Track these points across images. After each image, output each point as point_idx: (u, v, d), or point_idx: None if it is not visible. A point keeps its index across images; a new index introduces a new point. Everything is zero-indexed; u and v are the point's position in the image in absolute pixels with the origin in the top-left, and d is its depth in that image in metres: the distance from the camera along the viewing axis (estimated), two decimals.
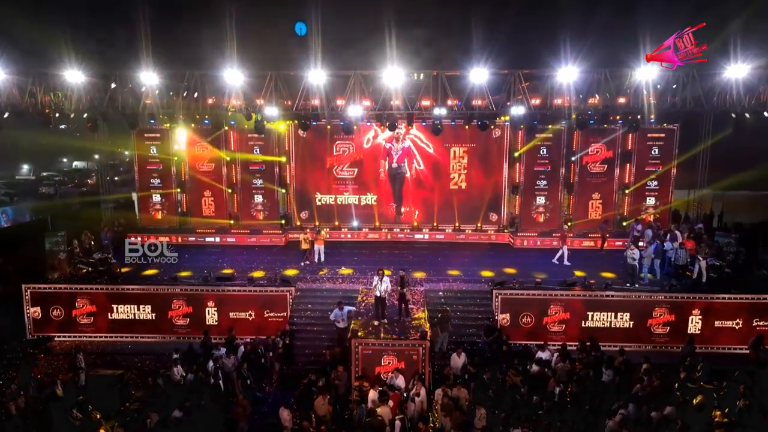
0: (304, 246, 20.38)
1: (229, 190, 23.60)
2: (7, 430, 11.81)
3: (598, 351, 14.80)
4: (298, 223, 23.88)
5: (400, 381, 13.43)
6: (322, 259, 20.39)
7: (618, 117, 19.73)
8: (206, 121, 22.29)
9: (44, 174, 46.47)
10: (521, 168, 23.15)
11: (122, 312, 17.62)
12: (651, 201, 22.96)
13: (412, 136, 23.36)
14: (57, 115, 18.40)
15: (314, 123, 23.16)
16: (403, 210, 24.04)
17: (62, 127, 48.15)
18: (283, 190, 23.89)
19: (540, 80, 13.23)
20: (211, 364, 14.06)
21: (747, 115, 14.72)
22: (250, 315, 17.48)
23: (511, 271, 19.30)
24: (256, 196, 23.67)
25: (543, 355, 14.62)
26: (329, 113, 13.56)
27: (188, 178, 23.52)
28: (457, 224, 23.67)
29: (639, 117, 16.54)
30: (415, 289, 17.27)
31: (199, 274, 18.66)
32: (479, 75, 12.78)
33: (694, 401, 12.44)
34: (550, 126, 21.92)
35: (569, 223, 22.94)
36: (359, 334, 14.19)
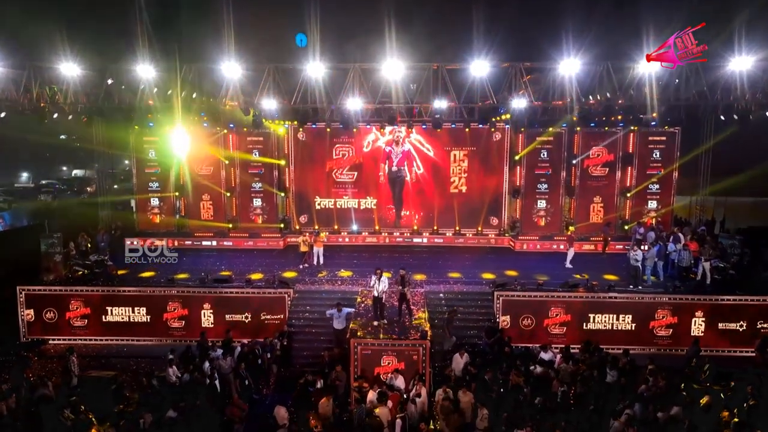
0: (303, 248, 20.17)
1: (228, 194, 23.43)
2: None
3: (601, 352, 14.53)
4: (297, 227, 23.68)
5: (400, 382, 13.14)
6: (321, 261, 20.17)
7: (620, 116, 19.62)
8: (205, 124, 22.37)
9: (43, 182, 46.33)
10: (522, 171, 23.00)
11: (116, 314, 17.36)
12: (653, 204, 22.78)
13: (412, 139, 23.25)
14: (55, 116, 18.49)
15: (314, 126, 23.30)
16: (402, 214, 23.85)
17: (62, 137, 48.56)
18: (282, 194, 23.72)
19: (542, 72, 13.09)
20: (207, 364, 13.77)
21: (752, 109, 14.53)
22: (247, 317, 17.22)
23: (512, 273, 19.06)
24: (255, 199, 23.50)
25: (546, 356, 14.36)
26: (328, 107, 13.36)
27: (186, 181, 23.34)
28: (457, 228, 23.46)
29: (642, 116, 16.34)
30: (416, 290, 17.02)
31: (196, 277, 18.43)
32: (480, 67, 12.64)
33: (702, 401, 12.20)
34: (551, 128, 21.85)
35: (571, 227, 22.74)
36: (358, 334, 13.93)
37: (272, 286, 17.63)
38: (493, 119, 20.31)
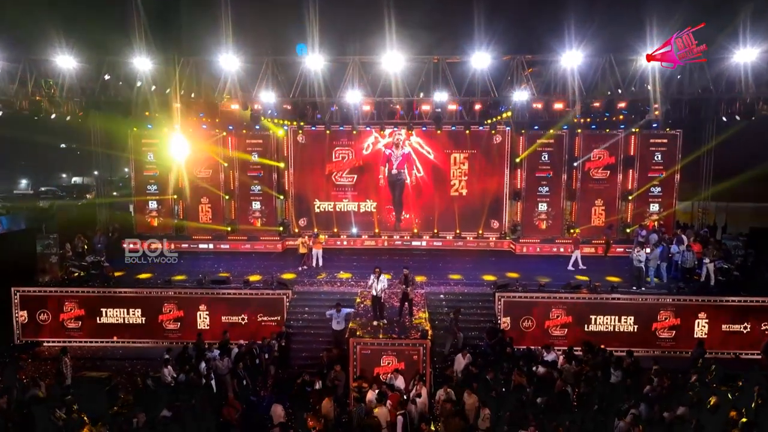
0: (302, 250, 19.97)
1: (227, 197, 23.27)
2: None
3: (604, 352, 14.28)
4: (297, 230, 23.48)
5: (400, 382, 12.87)
6: (320, 263, 19.95)
7: (622, 116, 19.49)
8: (204, 126, 22.26)
9: (42, 188, 46.29)
10: (523, 174, 22.87)
11: (111, 316, 17.10)
12: (654, 207, 22.63)
13: (412, 142, 23.14)
14: (53, 116, 18.37)
15: (313, 128, 23.22)
16: (402, 217, 23.67)
17: (62, 145, 48.65)
18: (282, 197, 23.55)
19: (544, 65, 12.96)
20: (203, 365, 13.51)
21: (757, 105, 14.35)
22: (243, 319, 16.96)
23: (513, 275, 18.83)
24: (254, 202, 23.33)
25: (548, 356, 14.10)
26: (327, 101, 13.22)
27: (185, 184, 23.19)
28: (457, 231, 23.27)
29: (645, 109, 16.19)
30: (416, 291, 16.76)
31: (193, 278, 18.20)
32: (481, 60, 12.50)
33: (710, 401, 11.96)
34: (551, 130, 21.75)
35: (572, 230, 22.55)
36: (358, 333, 13.69)
37: (270, 288, 17.40)
38: (494, 119, 20.15)
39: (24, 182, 49.71)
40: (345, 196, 23.62)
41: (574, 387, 12.73)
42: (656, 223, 22.05)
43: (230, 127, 22.58)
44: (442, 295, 17.36)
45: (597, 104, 19.94)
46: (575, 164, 22.52)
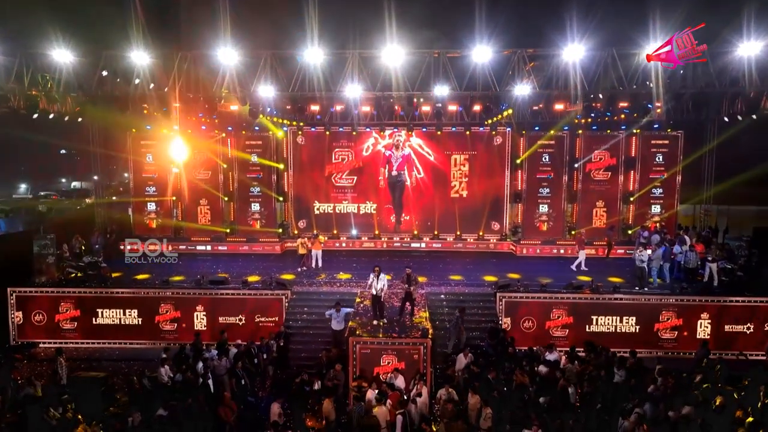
0: (302, 251, 19.80)
1: (226, 198, 23.15)
2: None
3: (608, 352, 14.07)
4: (296, 232, 23.32)
5: (400, 381, 12.65)
6: (320, 264, 19.78)
7: (623, 116, 19.42)
8: (203, 126, 22.20)
9: (42, 193, 46.15)
10: (523, 175, 22.76)
11: (107, 317, 16.90)
12: (656, 209, 22.49)
13: (412, 143, 23.04)
14: (51, 116, 18.26)
15: (313, 129, 23.14)
16: (403, 218, 23.53)
17: (62, 151, 48.59)
18: (281, 198, 23.42)
19: (545, 59, 12.85)
20: (200, 364, 13.31)
21: (762, 101, 14.23)
22: (241, 320, 16.77)
23: (514, 276, 18.64)
24: (253, 204, 23.20)
25: (551, 356, 13.90)
26: (326, 95, 13.10)
27: (184, 185, 23.07)
28: (458, 233, 23.11)
29: (648, 105, 16.06)
30: (418, 291, 16.55)
31: (192, 279, 18.02)
32: (482, 53, 12.36)
33: (716, 401, 11.75)
34: (552, 131, 21.67)
35: (573, 231, 22.43)
36: (357, 332, 13.49)
37: (269, 288, 17.22)
38: (495, 119, 20.12)
39: (23, 186, 49.52)
40: (345, 197, 23.50)
41: (578, 386, 12.52)
42: (658, 224, 21.89)
43: (229, 128, 22.50)
44: (442, 296, 17.18)
45: (598, 105, 20.02)
46: (576, 165, 22.41)
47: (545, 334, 16.29)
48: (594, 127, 22.04)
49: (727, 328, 16.24)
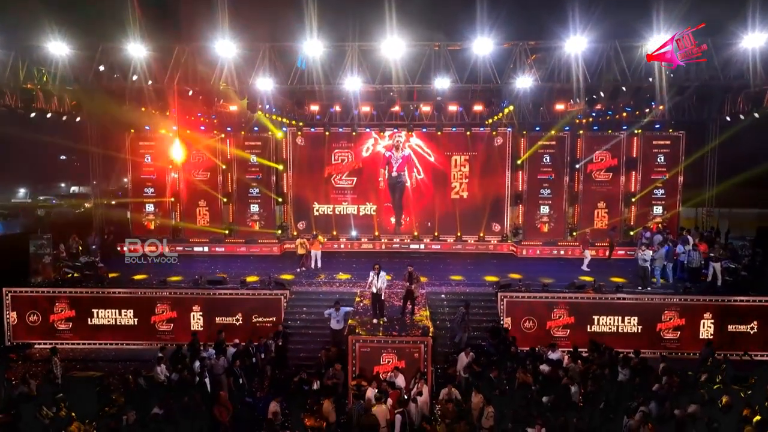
0: (301, 251, 19.61)
1: (225, 200, 23.00)
2: None
3: (611, 351, 13.87)
4: (295, 234, 23.10)
5: (401, 380, 12.42)
6: (319, 265, 19.58)
7: (625, 115, 19.31)
8: (202, 127, 22.11)
9: (41, 198, 46.04)
10: (524, 176, 22.64)
11: (102, 317, 16.68)
12: (658, 210, 22.33)
13: (412, 144, 22.92)
14: (48, 115, 18.12)
15: (312, 130, 23.04)
16: (403, 220, 23.35)
17: (62, 157, 48.46)
18: (280, 200, 23.26)
19: (547, 52, 12.71)
20: (197, 363, 13.09)
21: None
22: (238, 320, 16.54)
23: (516, 276, 18.45)
24: (252, 205, 23.06)
25: (553, 355, 13.70)
26: (325, 89, 12.96)
27: (182, 187, 22.92)
28: (458, 234, 22.91)
29: (651, 100, 15.91)
30: (420, 291, 16.34)
31: (189, 279, 17.82)
32: (483, 46, 12.22)
33: (722, 400, 11.57)
34: (553, 131, 21.57)
35: (575, 233, 22.27)
36: (357, 331, 13.28)
37: (268, 288, 17.02)
38: (496, 117, 20.03)
39: (22, 191, 49.38)
40: (344, 198, 23.34)
41: (581, 385, 12.31)
42: (660, 225, 21.71)
43: (228, 129, 22.42)
44: (443, 295, 16.98)
45: (600, 106, 19.93)
46: (577, 166, 22.29)
47: (546, 335, 16.07)
48: (595, 128, 21.95)
49: (730, 328, 16.03)
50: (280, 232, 22.99)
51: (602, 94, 13.58)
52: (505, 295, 16.42)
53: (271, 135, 22.51)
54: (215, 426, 11.34)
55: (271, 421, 10.95)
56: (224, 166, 22.81)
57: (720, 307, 16.03)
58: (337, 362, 13.16)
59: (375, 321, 13.94)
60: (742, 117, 18.50)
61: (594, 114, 20.62)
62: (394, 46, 12.18)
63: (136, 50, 12.57)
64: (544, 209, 22.52)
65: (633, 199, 22.35)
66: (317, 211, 23.37)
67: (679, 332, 16.12)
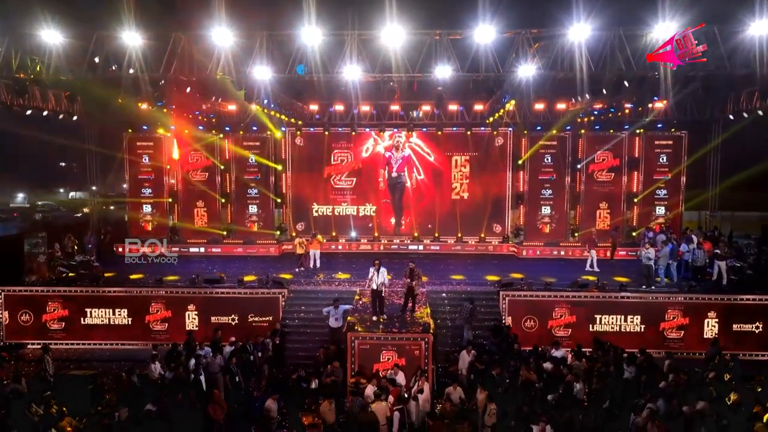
0: (299, 251, 19.35)
1: (223, 200, 22.77)
2: None
3: (616, 349, 13.57)
4: (294, 235, 22.83)
5: (401, 378, 12.13)
6: (318, 264, 19.31)
7: (626, 113, 19.10)
8: (200, 127, 21.93)
9: (39, 203, 45.83)
10: (525, 177, 22.45)
11: (96, 316, 16.35)
12: (660, 210, 22.10)
13: (412, 144, 22.73)
14: (45, 113, 17.95)
15: (311, 129, 22.87)
16: (403, 221, 23.11)
17: (62, 164, 48.31)
18: (279, 200, 23.04)
19: (550, 40, 12.53)
20: (193, 361, 12.78)
21: None
22: (234, 320, 16.22)
23: (517, 276, 18.18)
24: (250, 206, 22.81)
25: (557, 353, 13.40)
26: (324, 78, 12.77)
27: (180, 187, 22.71)
28: (459, 235, 22.67)
29: (655, 93, 15.70)
30: (420, 290, 16.05)
31: (186, 278, 17.54)
32: (485, 33, 12.02)
33: (731, 397, 11.28)
34: (554, 131, 21.41)
35: (577, 234, 22.04)
36: (356, 327, 13.00)
37: (266, 286, 16.74)
38: (497, 115, 19.86)
39: (21, 196, 49.20)
40: (344, 199, 23.11)
41: (586, 383, 12.00)
42: (662, 225, 21.46)
43: (227, 128, 22.26)
44: (444, 294, 16.70)
45: (601, 104, 19.78)
46: (579, 166, 22.09)
47: (548, 334, 15.75)
48: (597, 127, 21.79)
49: (735, 327, 15.73)
50: (279, 233, 22.74)
51: (606, 85, 13.36)
52: (507, 293, 16.15)
53: (270, 135, 22.33)
54: (209, 424, 11.03)
55: (268, 420, 10.64)
56: (222, 167, 22.61)
57: (725, 306, 15.74)
58: (335, 360, 12.85)
59: (375, 318, 13.67)
60: (745, 115, 18.33)
61: (596, 112, 20.45)
62: (394, 34, 11.98)
63: (132, 39, 12.37)
64: (546, 210, 22.28)
65: (635, 200, 22.13)
66: (316, 211, 23.14)
67: (682, 332, 15.82)
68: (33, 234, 18.06)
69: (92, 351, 16.23)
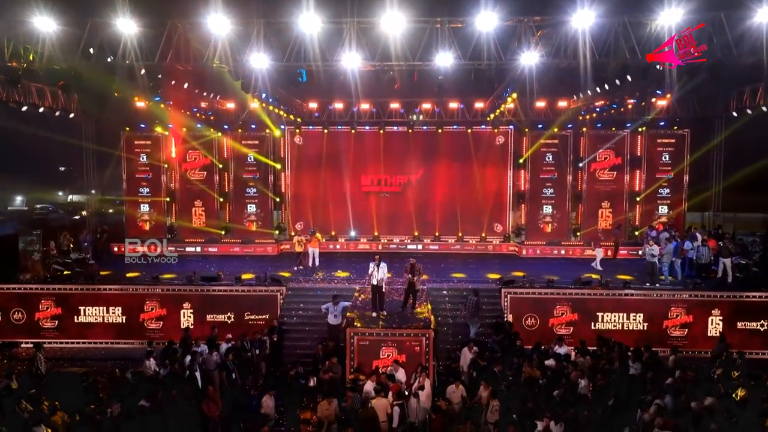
0: (298, 249, 19.09)
1: (221, 199, 22.53)
2: None
3: (621, 346, 13.29)
4: (293, 234, 22.56)
5: (401, 375, 11.85)
6: (317, 263, 19.05)
7: (629, 107, 18.84)
8: (199, 125, 21.70)
9: (38, 206, 45.58)
10: (526, 175, 22.22)
11: (89, 315, 16.08)
12: (663, 209, 21.86)
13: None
14: (41, 110, 17.75)
15: (311, 128, 22.66)
16: (402, 221, 22.81)
17: (62, 168, 48.09)
18: (278, 199, 22.80)
19: (553, 28, 12.32)
20: (188, 357, 12.51)
21: None
22: (230, 318, 15.95)
23: (519, 274, 17.93)
24: (249, 205, 22.54)
25: (560, 350, 13.13)
26: (323, 66, 12.55)
27: (178, 186, 22.47)
28: (459, 234, 22.41)
29: (659, 86, 15.51)
30: (421, 288, 15.80)
31: (183, 276, 17.28)
32: (486, 20, 11.81)
33: (739, 394, 11.01)
34: (555, 129, 21.22)
35: (578, 233, 21.81)
36: (355, 323, 12.73)
37: (263, 284, 16.48)
38: (498, 112, 19.65)
39: (19, 199, 48.98)
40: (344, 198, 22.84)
41: (590, 379, 11.73)
42: (665, 224, 21.24)
43: (225, 126, 22.06)
44: (444, 291, 16.46)
45: (601, 102, 19.59)
46: (580, 165, 21.87)
47: (549, 332, 15.48)
48: (598, 125, 21.59)
49: (739, 325, 15.45)
50: (277, 232, 22.49)
51: (609, 74, 13.15)
52: (509, 291, 15.89)
53: (269, 133, 22.12)
54: (204, 421, 10.75)
55: (265, 416, 10.35)
56: (221, 165, 22.38)
57: (729, 303, 15.48)
58: (334, 356, 12.57)
59: (374, 314, 13.40)
60: (749, 111, 18.15)
61: (597, 110, 20.24)
62: (394, 21, 11.76)
63: (126, 26, 12.17)
64: (547, 209, 22.02)
65: (638, 198, 21.89)
66: (316, 211, 22.84)
67: (686, 329, 15.56)
68: (28, 232, 17.74)
69: (86, 350, 15.96)
